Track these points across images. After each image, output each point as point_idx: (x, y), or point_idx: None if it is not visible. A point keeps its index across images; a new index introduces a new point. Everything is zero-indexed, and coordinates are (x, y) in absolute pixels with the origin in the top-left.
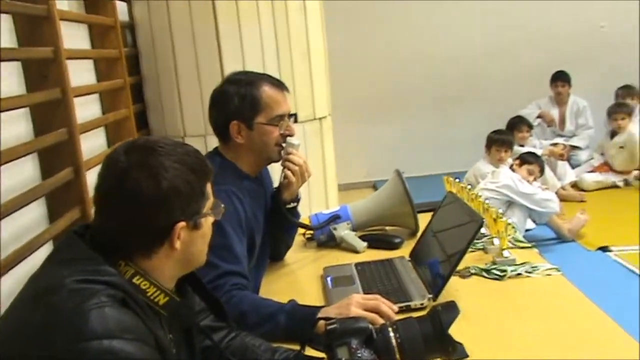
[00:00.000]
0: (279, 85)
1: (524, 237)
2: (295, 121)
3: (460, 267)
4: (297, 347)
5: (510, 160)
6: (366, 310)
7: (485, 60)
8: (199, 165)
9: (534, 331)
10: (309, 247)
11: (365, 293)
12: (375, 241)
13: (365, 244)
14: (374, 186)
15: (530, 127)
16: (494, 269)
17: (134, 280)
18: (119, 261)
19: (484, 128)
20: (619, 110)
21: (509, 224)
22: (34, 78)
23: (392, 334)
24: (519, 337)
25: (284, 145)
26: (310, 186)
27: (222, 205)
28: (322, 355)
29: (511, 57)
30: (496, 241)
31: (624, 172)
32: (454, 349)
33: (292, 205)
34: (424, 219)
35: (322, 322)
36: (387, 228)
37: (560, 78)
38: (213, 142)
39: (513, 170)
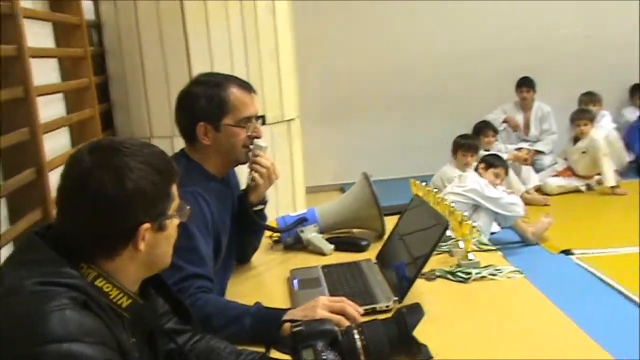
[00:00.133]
0: (246, 86)
1: (489, 240)
2: (264, 123)
3: (426, 269)
4: (262, 350)
5: (474, 164)
6: (332, 312)
7: (453, 66)
8: (165, 167)
9: (497, 332)
10: (275, 250)
11: (331, 295)
12: (342, 244)
13: (332, 246)
14: (342, 189)
15: (496, 131)
16: (458, 271)
17: (97, 282)
18: (81, 263)
19: (451, 132)
20: (581, 116)
21: (474, 227)
22: None
23: (357, 336)
24: (482, 338)
25: (251, 147)
26: (277, 188)
27: (188, 207)
28: (287, 357)
29: (478, 62)
30: (461, 244)
31: (586, 176)
32: (419, 350)
33: (259, 207)
34: (390, 222)
35: (287, 324)
36: (354, 231)
37: (525, 84)
38: (180, 143)
39: (480, 175)
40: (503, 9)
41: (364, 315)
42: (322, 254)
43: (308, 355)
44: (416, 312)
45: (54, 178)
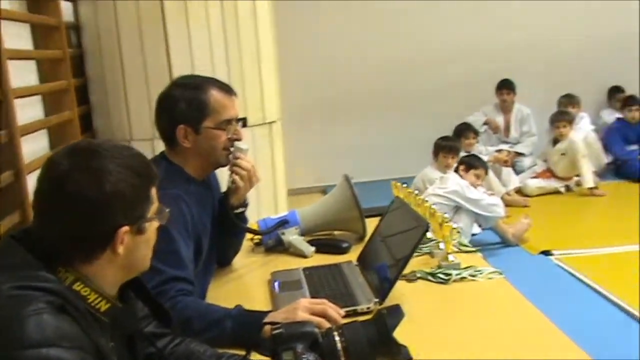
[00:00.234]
0: (227, 89)
1: (470, 241)
2: (245, 125)
3: (407, 271)
4: (243, 353)
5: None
6: (313, 314)
7: (434, 68)
8: (144, 169)
9: (477, 333)
10: (257, 252)
11: (312, 297)
12: (323, 246)
13: (313, 248)
14: (324, 191)
15: (477, 133)
16: (439, 272)
17: (74, 286)
18: (58, 267)
19: (432, 134)
20: (560, 118)
21: (454, 228)
22: None
23: (337, 338)
24: (462, 338)
25: (231, 149)
26: (259, 191)
27: (167, 210)
28: None
29: (458, 65)
30: (442, 245)
31: (566, 178)
32: (399, 351)
33: (240, 210)
34: (371, 224)
35: (268, 327)
36: (336, 233)
37: (505, 86)
38: (161, 146)
39: (460, 176)
40: (484, 13)
41: (345, 317)
42: (304, 256)
43: (288, 357)
44: (396, 313)
45: (32, 181)
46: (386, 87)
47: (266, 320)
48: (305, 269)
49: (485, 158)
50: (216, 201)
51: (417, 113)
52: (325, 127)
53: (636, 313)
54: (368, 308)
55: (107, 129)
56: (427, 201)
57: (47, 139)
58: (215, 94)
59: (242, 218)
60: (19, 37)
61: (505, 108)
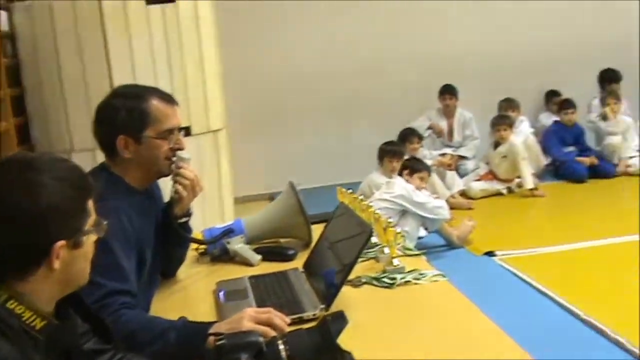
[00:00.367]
0: (168, 98)
1: (416, 244)
2: (188, 134)
3: (353, 276)
4: None
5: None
6: (259, 323)
7: (378, 74)
8: (80, 181)
9: (420, 336)
10: (202, 262)
11: (258, 306)
12: (270, 254)
13: (259, 256)
14: (272, 198)
15: (421, 138)
16: (384, 277)
17: (8, 304)
18: None
19: (378, 139)
20: (501, 121)
21: (398, 233)
22: None
23: (282, 347)
24: (406, 342)
25: (174, 159)
26: (205, 200)
27: (105, 222)
28: None
29: (403, 71)
30: (387, 250)
31: (507, 180)
32: (343, 358)
33: (183, 220)
34: (318, 230)
35: (212, 338)
36: (282, 240)
37: (448, 91)
38: (103, 156)
39: (406, 181)
40: (424, 19)
41: (291, 324)
42: (250, 264)
43: None
44: (340, 319)
45: None
46: (331, 93)
47: (211, 331)
48: (251, 278)
49: (429, 162)
50: (159, 211)
51: (362, 119)
52: (272, 134)
53: (577, 311)
54: (314, 315)
55: (45, 140)
56: (371, 206)
57: None
58: (156, 103)
59: (186, 228)
60: None
61: (448, 113)
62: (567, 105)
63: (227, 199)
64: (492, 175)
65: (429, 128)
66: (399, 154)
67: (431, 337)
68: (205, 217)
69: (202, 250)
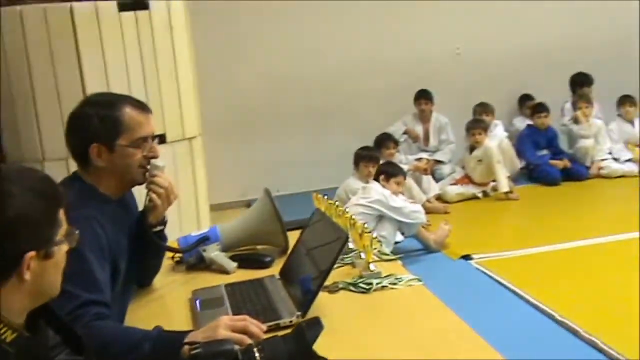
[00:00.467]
0: (141, 106)
1: (393, 249)
2: (163, 142)
3: (329, 282)
4: None
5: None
6: (234, 331)
7: (355, 80)
8: (50, 191)
9: (396, 341)
10: (177, 271)
11: (234, 314)
12: (246, 261)
13: (235, 264)
14: (249, 205)
15: (397, 143)
16: (360, 282)
17: None
18: None
19: (354, 145)
20: (476, 126)
21: (374, 238)
22: None
23: (257, 354)
24: (382, 347)
25: (148, 167)
26: (181, 208)
27: (77, 232)
28: None
29: (378, 77)
30: (363, 255)
31: (483, 183)
32: None
33: (158, 228)
34: (294, 237)
35: (187, 347)
36: (258, 247)
37: (423, 96)
38: (76, 165)
39: (383, 186)
40: (400, 25)
41: (267, 332)
42: (226, 272)
43: None
44: (315, 326)
45: None
46: (307, 99)
47: (186, 340)
48: (227, 286)
49: (405, 167)
50: (133, 220)
51: (338, 125)
52: (248, 140)
53: (552, 312)
54: (291, 322)
55: (16, 150)
56: (347, 212)
57: None
58: (129, 112)
59: (161, 236)
60: None
61: (423, 117)
62: (540, 109)
63: (203, 206)
64: (467, 179)
65: (405, 133)
66: (375, 159)
67: (406, 341)
68: (182, 224)
69: (178, 259)
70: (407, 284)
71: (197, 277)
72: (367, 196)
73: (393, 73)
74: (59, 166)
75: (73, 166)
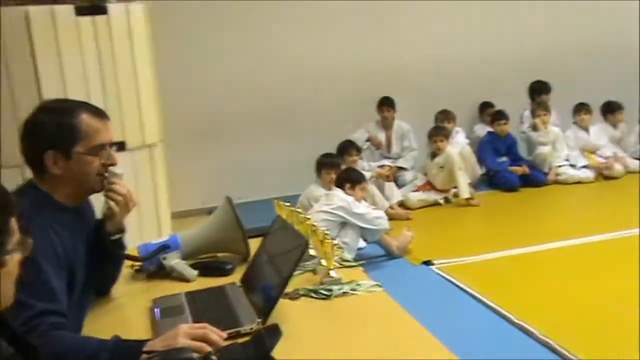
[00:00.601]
0: (99, 113)
1: (356, 255)
2: (123, 149)
3: (290, 289)
4: None
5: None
6: (194, 339)
7: (316, 87)
8: (1, 200)
9: (355, 346)
10: (137, 279)
11: (195, 322)
12: (207, 269)
13: (196, 272)
14: (211, 212)
15: (360, 150)
16: (321, 289)
17: None
18: None
19: (317, 152)
20: (437, 133)
21: (335, 244)
22: None
23: None
24: (341, 353)
25: (106, 175)
26: (141, 216)
27: (31, 241)
28: None
29: (341, 84)
30: (324, 262)
31: (444, 190)
32: None
33: (117, 236)
34: (255, 244)
35: (145, 356)
36: (219, 255)
37: (386, 104)
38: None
39: (347, 193)
40: (363, 33)
41: (228, 339)
42: (186, 280)
43: None
44: (274, 332)
45: None
46: (270, 106)
47: (145, 349)
48: (187, 294)
49: (368, 174)
50: (91, 228)
51: (301, 132)
52: (210, 148)
53: (509, 315)
54: (251, 329)
55: None
56: (309, 219)
57: None
58: (86, 118)
59: (120, 244)
60: None
61: (386, 125)
62: (500, 116)
63: (164, 214)
64: (429, 185)
65: (368, 140)
66: (336, 165)
67: (365, 347)
68: (142, 232)
69: (138, 267)
70: (367, 290)
71: (157, 285)
72: (330, 203)
73: (355, 80)
74: (15, 173)
75: (29, 174)
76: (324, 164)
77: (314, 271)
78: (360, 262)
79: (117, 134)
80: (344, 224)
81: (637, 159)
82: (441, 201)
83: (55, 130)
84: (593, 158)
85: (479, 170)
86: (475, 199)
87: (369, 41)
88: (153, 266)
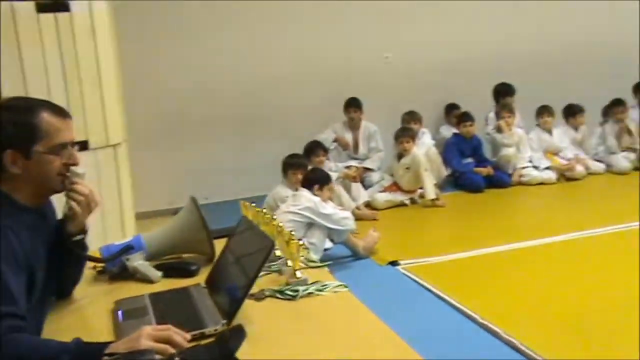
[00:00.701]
0: (60, 111)
1: (322, 256)
2: (85, 149)
3: (256, 290)
4: None
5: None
6: (157, 341)
7: (284, 88)
8: None
9: (320, 346)
10: (100, 281)
11: (158, 324)
12: (171, 270)
13: (160, 273)
14: (176, 213)
15: (326, 151)
16: (287, 289)
17: None
18: None
19: (284, 153)
20: (404, 134)
21: (301, 245)
22: None
23: None
24: (306, 353)
25: (67, 174)
26: (105, 216)
27: None
28: None
29: (309, 85)
30: (290, 263)
31: (410, 191)
32: None
33: (79, 237)
34: (221, 245)
35: (107, 358)
36: (184, 255)
37: (353, 104)
38: None
39: (316, 195)
40: (329, 34)
41: (192, 341)
42: (150, 281)
43: None
44: (238, 333)
45: None
46: (236, 106)
47: (107, 351)
48: (151, 295)
49: (335, 175)
50: (52, 229)
51: (267, 132)
52: (175, 148)
53: (474, 315)
54: (216, 330)
55: None
56: (275, 219)
57: None
58: (47, 117)
59: (82, 245)
60: None
61: (353, 125)
62: (465, 118)
63: (128, 214)
64: (396, 186)
65: (335, 141)
66: (303, 166)
67: (330, 347)
68: (106, 233)
69: (100, 268)
70: (333, 291)
71: (121, 287)
72: (297, 203)
73: (323, 81)
74: None
75: None
76: (291, 164)
77: (279, 272)
78: (327, 263)
79: (79, 133)
80: (310, 225)
81: (598, 160)
82: (407, 202)
83: (15, 129)
84: (555, 160)
85: (445, 171)
86: (441, 200)
87: (336, 41)
88: (116, 267)
